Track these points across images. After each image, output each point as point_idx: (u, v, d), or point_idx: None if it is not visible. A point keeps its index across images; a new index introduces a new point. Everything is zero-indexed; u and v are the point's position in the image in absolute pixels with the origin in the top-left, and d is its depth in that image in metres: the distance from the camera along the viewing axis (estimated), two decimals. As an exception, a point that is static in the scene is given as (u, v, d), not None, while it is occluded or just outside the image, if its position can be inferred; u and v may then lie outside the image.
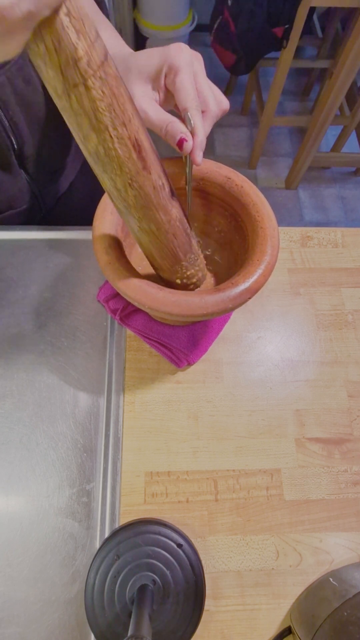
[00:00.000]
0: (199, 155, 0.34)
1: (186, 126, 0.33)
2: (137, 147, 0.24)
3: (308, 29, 1.75)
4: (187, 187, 0.37)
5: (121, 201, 0.28)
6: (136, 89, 0.36)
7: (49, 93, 0.21)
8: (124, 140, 0.23)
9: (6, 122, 0.45)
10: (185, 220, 0.34)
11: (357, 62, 1.20)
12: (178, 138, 0.33)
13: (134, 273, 0.34)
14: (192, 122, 0.33)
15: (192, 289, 0.41)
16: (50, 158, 0.55)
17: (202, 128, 0.34)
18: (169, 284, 0.39)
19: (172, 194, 0.31)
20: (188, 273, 0.38)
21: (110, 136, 0.22)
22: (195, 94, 0.33)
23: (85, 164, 0.66)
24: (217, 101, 0.36)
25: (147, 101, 0.35)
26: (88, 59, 0.19)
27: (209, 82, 0.36)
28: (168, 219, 0.31)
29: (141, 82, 0.36)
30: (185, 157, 0.34)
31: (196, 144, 0.33)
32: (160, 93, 0.36)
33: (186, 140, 0.33)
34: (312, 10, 1.37)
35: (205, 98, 0.35)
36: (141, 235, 0.32)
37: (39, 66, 0.19)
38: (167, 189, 0.30)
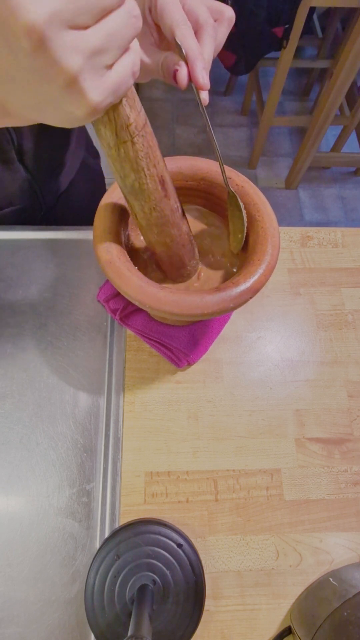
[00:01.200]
0: (201, 76, 0.29)
1: (180, 55, 0.29)
2: (162, 182, 0.31)
3: (308, 29, 1.75)
4: (206, 123, 0.31)
5: (146, 220, 0.33)
6: None
7: (101, 145, 0.27)
8: (154, 177, 0.30)
9: None
10: (191, 233, 0.40)
11: (357, 62, 1.20)
12: (172, 71, 0.30)
13: (135, 272, 0.34)
14: (180, 45, 0.29)
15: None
16: (49, 154, 0.55)
17: (196, 46, 0.29)
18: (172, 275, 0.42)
19: (183, 214, 0.37)
20: (189, 274, 0.42)
21: (145, 174, 0.29)
22: (179, 11, 0.29)
23: (85, 163, 0.66)
24: (216, 11, 0.31)
25: (139, 46, 0.33)
26: (136, 124, 0.25)
27: None
28: (179, 233, 0.36)
29: None
30: (197, 92, 0.30)
31: (192, 66, 0.29)
32: (153, 32, 0.33)
33: (178, 70, 0.29)
34: (312, 10, 1.37)
35: (195, 14, 0.30)
36: (157, 246, 0.37)
37: (99, 128, 0.25)
38: (180, 210, 0.36)
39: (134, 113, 0.25)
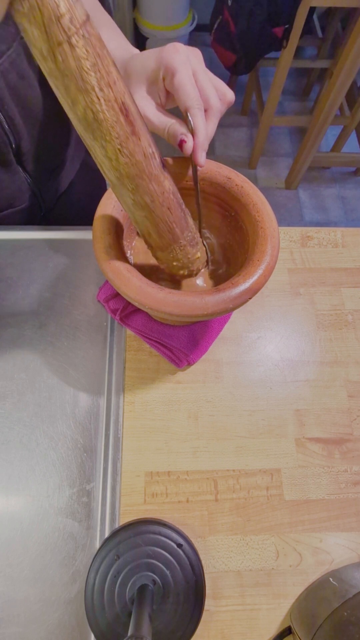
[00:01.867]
0: (201, 156, 0.34)
1: (187, 126, 0.33)
2: (124, 111, 0.24)
3: (308, 29, 1.75)
4: (195, 190, 0.37)
5: (113, 171, 0.27)
6: (136, 93, 0.36)
7: (36, 59, 0.21)
8: (111, 102, 0.23)
9: (3, 118, 0.45)
10: (179, 195, 0.33)
11: (357, 62, 1.20)
12: (179, 139, 0.33)
13: (134, 273, 0.34)
14: (192, 122, 0.32)
15: (195, 275, 0.41)
16: (48, 155, 0.55)
17: (204, 128, 0.33)
18: (168, 269, 0.39)
19: (163, 165, 0.30)
20: (188, 255, 0.36)
21: (97, 97, 0.22)
22: (195, 92, 0.33)
23: (84, 163, 0.66)
24: (221, 94, 0.35)
25: (148, 105, 0.35)
26: (70, 16, 0.20)
27: (211, 75, 0.35)
28: (162, 191, 0.30)
29: (140, 87, 0.36)
30: (193, 165, 0.35)
31: (197, 145, 0.33)
32: (161, 96, 0.36)
33: (185, 142, 0.33)
34: (312, 10, 1.37)
35: (206, 95, 0.34)
36: (136, 211, 0.31)
37: (25, 28, 0.20)
38: (157, 158, 0.29)
39: (66, 1, 0.19)
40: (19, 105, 0.46)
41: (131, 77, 0.37)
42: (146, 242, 0.36)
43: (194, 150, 0.33)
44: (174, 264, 0.37)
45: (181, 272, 0.39)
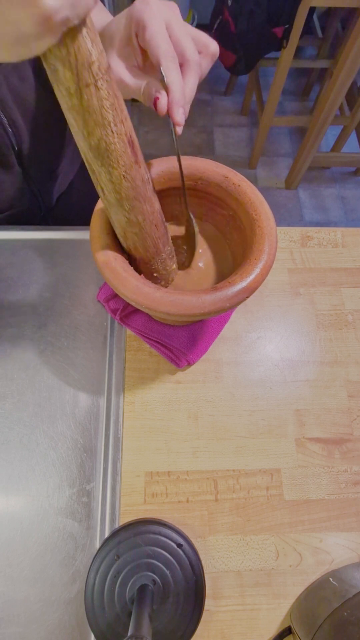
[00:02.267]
0: (177, 113, 0.30)
1: (162, 84, 0.30)
2: (131, 143, 0.28)
3: (308, 29, 1.75)
4: (178, 162, 0.34)
5: (114, 194, 0.30)
6: (111, 59, 0.33)
7: (59, 93, 0.24)
8: (122, 135, 0.27)
9: (5, 121, 0.45)
10: (162, 212, 0.36)
11: (357, 62, 1.20)
12: (153, 98, 0.30)
13: (131, 273, 0.34)
14: (164, 77, 0.30)
15: (169, 283, 0.42)
16: (48, 156, 0.55)
17: (179, 82, 0.30)
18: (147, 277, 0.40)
19: (154, 188, 0.33)
20: (167, 267, 0.39)
21: (112, 131, 0.26)
22: (166, 44, 0.30)
23: (84, 165, 0.66)
24: (202, 45, 0.32)
25: (122, 68, 0.33)
26: (99, 64, 0.23)
27: (189, 28, 0.32)
28: (152, 211, 0.33)
29: (114, 50, 0.33)
30: (172, 125, 0.32)
31: (171, 101, 0.30)
32: (136, 56, 0.33)
33: (159, 98, 0.30)
34: (312, 10, 1.37)
35: (181, 47, 0.31)
36: (128, 227, 0.33)
37: (56, 68, 0.22)
38: (151, 183, 0.32)
39: (97, 50, 0.22)
40: (21, 107, 0.46)
41: (104, 42, 0.34)
42: (131, 255, 0.38)
43: (169, 108, 0.30)
44: (154, 275, 0.39)
45: (160, 283, 0.40)
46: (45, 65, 0.23)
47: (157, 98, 0.30)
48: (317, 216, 1.71)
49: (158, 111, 0.31)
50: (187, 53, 0.31)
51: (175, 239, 0.44)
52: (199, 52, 0.32)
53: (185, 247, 0.44)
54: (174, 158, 0.39)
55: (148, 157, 0.33)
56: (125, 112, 0.27)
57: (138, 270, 0.39)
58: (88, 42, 0.22)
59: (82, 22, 0.21)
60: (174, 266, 0.41)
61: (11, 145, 0.47)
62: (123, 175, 0.29)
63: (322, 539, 0.44)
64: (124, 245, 0.37)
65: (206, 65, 0.33)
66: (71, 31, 0.21)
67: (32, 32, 0.18)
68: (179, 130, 0.32)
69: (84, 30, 0.21)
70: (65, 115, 0.26)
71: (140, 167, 0.30)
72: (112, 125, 0.25)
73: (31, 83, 0.46)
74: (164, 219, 0.37)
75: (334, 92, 1.30)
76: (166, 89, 0.30)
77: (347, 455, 0.47)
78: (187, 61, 0.31)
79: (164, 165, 0.39)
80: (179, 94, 0.30)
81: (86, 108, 0.24)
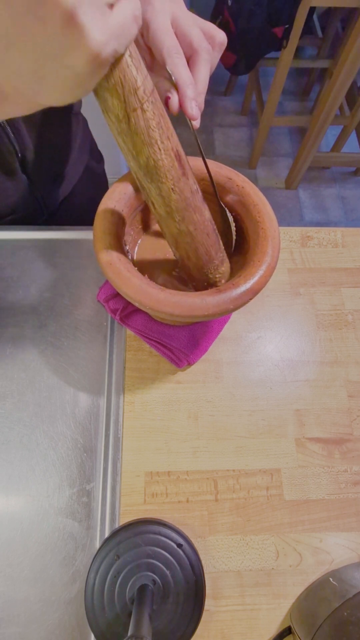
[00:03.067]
0: (190, 107, 0.30)
1: (171, 82, 0.30)
2: (178, 157, 0.29)
3: (308, 29, 1.75)
4: (200, 154, 0.34)
5: (164, 207, 0.31)
6: None
7: (109, 120, 0.25)
8: (169, 151, 0.28)
9: (8, 128, 0.45)
10: (213, 221, 0.36)
11: (357, 62, 1.20)
12: (164, 98, 0.30)
13: (134, 273, 0.34)
14: (172, 73, 0.29)
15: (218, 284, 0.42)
16: (52, 162, 0.55)
17: (187, 76, 0.29)
18: (198, 283, 0.40)
19: (203, 198, 0.34)
20: (218, 272, 0.39)
21: (159, 148, 0.27)
22: (169, 39, 0.29)
23: (87, 168, 0.66)
24: (209, 36, 0.31)
25: None
26: (144, 88, 0.24)
27: (196, 19, 0.31)
28: (202, 220, 0.34)
29: None
30: (188, 119, 0.31)
31: (182, 95, 0.29)
32: (145, 55, 0.32)
33: (170, 98, 0.29)
34: (312, 10, 1.37)
35: (189, 39, 0.30)
36: (180, 238, 0.34)
37: (105, 98, 0.23)
38: (199, 193, 0.33)
39: (141, 76, 0.23)
40: (25, 116, 0.46)
41: None
42: (183, 264, 0.38)
43: (181, 104, 0.30)
44: (205, 284, 0.40)
45: (210, 287, 0.40)
46: (96, 98, 0.24)
47: (168, 97, 0.30)
48: (317, 216, 1.71)
49: (170, 110, 0.30)
50: (194, 43, 0.30)
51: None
52: None
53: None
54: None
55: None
56: (171, 128, 0.27)
57: (191, 277, 0.40)
58: (133, 70, 0.23)
59: (126, 52, 0.22)
60: (224, 269, 0.41)
61: (15, 152, 0.47)
62: (172, 189, 0.29)
63: (322, 539, 0.44)
64: (176, 254, 0.37)
65: (214, 56, 0.32)
66: (117, 62, 0.22)
67: (86, 71, 0.19)
68: (196, 124, 0.31)
69: (128, 59, 0.22)
70: (115, 138, 0.27)
71: (188, 179, 0.30)
72: (158, 142, 0.27)
73: None
74: (215, 227, 0.37)
75: (334, 92, 1.30)
76: (175, 86, 0.30)
77: (347, 455, 0.47)
78: (195, 51, 0.30)
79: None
80: (189, 88, 0.30)
81: (134, 130, 0.25)
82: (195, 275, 0.39)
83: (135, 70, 0.23)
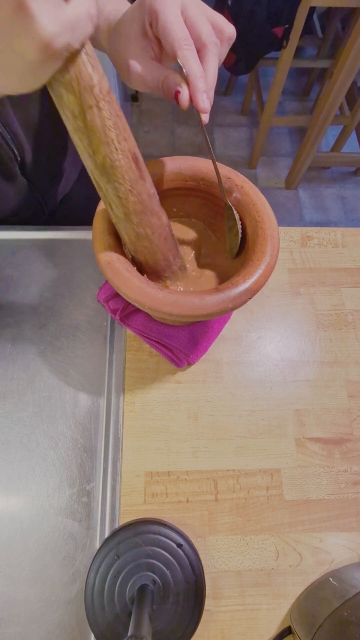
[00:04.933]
0: (201, 100, 0.29)
1: (182, 75, 0.29)
2: (135, 159, 0.29)
3: (308, 29, 1.75)
4: (208, 149, 0.33)
5: (122, 208, 0.31)
6: (129, 54, 0.32)
7: (65, 117, 0.25)
8: (126, 152, 0.28)
9: (7, 134, 0.45)
10: (171, 227, 0.37)
11: (357, 62, 1.20)
12: (173, 92, 0.29)
13: (134, 273, 0.34)
14: (182, 66, 0.29)
15: None
16: (50, 162, 0.55)
17: (198, 69, 0.29)
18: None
19: (160, 203, 0.34)
20: (177, 278, 0.40)
21: (116, 149, 0.27)
22: (180, 30, 0.29)
23: (85, 166, 0.66)
24: (218, 30, 0.30)
25: (139, 63, 0.31)
26: (100, 86, 0.24)
27: (205, 9, 0.30)
28: (160, 224, 0.34)
29: (130, 45, 0.32)
30: (197, 113, 0.30)
31: (194, 89, 0.29)
32: (154, 48, 0.32)
33: (180, 92, 0.29)
34: (312, 10, 1.37)
35: (198, 31, 0.29)
36: (137, 241, 0.34)
37: (60, 93, 0.24)
38: (157, 197, 0.33)
39: (97, 75, 0.24)
40: (20, 118, 0.45)
41: (121, 38, 0.32)
42: (141, 270, 0.38)
43: (192, 97, 0.29)
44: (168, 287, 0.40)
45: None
46: (51, 93, 0.24)
47: (178, 92, 0.29)
48: (317, 216, 1.71)
49: (180, 105, 0.30)
50: (203, 36, 0.29)
51: (182, 242, 0.44)
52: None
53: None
54: (175, 158, 0.39)
55: (148, 157, 0.32)
56: (128, 130, 0.28)
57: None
58: (89, 67, 0.23)
59: (82, 48, 0.22)
60: (185, 278, 0.42)
61: (14, 157, 0.47)
62: (129, 190, 0.30)
63: (322, 539, 0.44)
64: (136, 259, 0.37)
65: (223, 51, 0.31)
66: (72, 57, 0.22)
67: (36, 59, 0.19)
68: (205, 118, 0.30)
69: (84, 57, 0.23)
70: (71, 137, 0.27)
71: (145, 182, 0.31)
72: (115, 143, 0.27)
73: (31, 93, 0.46)
74: (172, 232, 0.37)
75: (334, 92, 1.30)
76: (186, 80, 0.29)
77: (347, 455, 0.47)
78: (204, 45, 0.30)
79: (170, 165, 0.39)
80: (200, 81, 0.29)
81: (90, 128, 0.25)
82: (154, 280, 0.39)
83: (91, 68, 0.23)
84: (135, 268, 0.35)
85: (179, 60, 0.29)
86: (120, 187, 0.29)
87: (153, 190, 0.32)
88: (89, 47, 0.23)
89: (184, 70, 0.29)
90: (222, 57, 0.32)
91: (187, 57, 0.29)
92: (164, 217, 0.35)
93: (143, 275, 0.38)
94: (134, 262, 0.38)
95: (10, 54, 0.19)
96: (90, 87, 0.24)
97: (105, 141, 0.26)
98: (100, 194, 0.31)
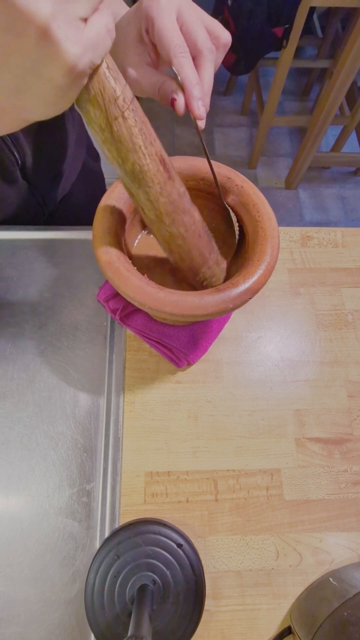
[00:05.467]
0: (196, 107, 0.30)
1: (177, 82, 0.30)
2: (163, 161, 0.29)
3: (308, 29, 1.75)
4: (205, 155, 0.34)
5: (154, 210, 0.31)
6: (125, 60, 0.32)
7: (92, 131, 0.26)
8: (153, 156, 0.28)
9: (8, 138, 0.44)
10: (204, 222, 0.37)
11: (357, 62, 1.20)
12: (170, 99, 0.30)
13: (134, 273, 0.34)
14: (178, 74, 0.29)
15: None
16: (50, 165, 0.55)
17: (194, 76, 0.29)
18: (195, 284, 0.40)
19: (191, 200, 0.34)
20: (215, 272, 0.39)
21: (143, 154, 0.28)
22: (175, 37, 0.29)
23: (84, 166, 0.66)
24: (214, 36, 0.31)
25: (136, 69, 0.32)
26: (123, 97, 0.25)
27: (202, 14, 0.31)
28: (193, 221, 0.34)
29: (127, 51, 0.33)
30: (193, 119, 0.31)
31: (189, 96, 0.29)
32: (151, 53, 0.32)
33: (176, 100, 0.30)
34: (312, 10, 1.37)
35: (193, 38, 0.29)
36: (172, 241, 0.34)
37: (87, 110, 0.24)
38: (187, 195, 0.33)
39: (120, 86, 0.24)
40: None
41: (118, 41, 0.32)
42: (178, 267, 0.38)
43: (187, 104, 0.30)
44: (204, 283, 0.39)
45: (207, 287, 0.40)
46: (78, 110, 0.25)
47: (174, 99, 0.30)
48: (317, 216, 1.71)
49: (176, 112, 0.30)
50: (199, 43, 0.30)
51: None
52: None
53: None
54: (175, 158, 0.39)
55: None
56: (154, 134, 0.28)
57: (187, 279, 0.40)
58: (111, 80, 0.24)
59: (103, 64, 0.23)
60: (221, 272, 0.41)
61: (15, 161, 0.47)
62: (159, 192, 0.30)
63: (322, 539, 0.44)
64: (171, 259, 0.38)
65: (219, 56, 0.32)
66: (95, 73, 0.22)
67: (65, 82, 0.20)
68: (202, 124, 0.31)
69: (106, 70, 0.23)
70: (100, 148, 0.28)
71: (174, 182, 0.31)
72: (142, 148, 0.27)
73: None
74: (207, 228, 0.37)
75: (334, 92, 1.30)
76: (182, 87, 0.30)
77: (347, 455, 0.47)
78: (200, 52, 0.30)
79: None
80: (196, 88, 0.29)
81: (117, 139, 0.26)
82: (190, 278, 0.39)
83: (113, 80, 0.24)
84: (135, 268, 0.35)
85: (174, 68, 0.29)
86: (151, 190, 0.30)
87: (183, 189, 0.32)
88: (108, 59, 0.23)
89: (179, 78, 0.29)
90: (217, 63, 0.32)
91: (183, 64, 0.29)
92: (196, 214, 0.35)
93: (179, 273, 0.39)
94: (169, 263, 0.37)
95: (38, 81, 0.19)
96: (114, 99, 0.24)
97: (133, 149, 0.27)
98: (132, 200, 0.32)
